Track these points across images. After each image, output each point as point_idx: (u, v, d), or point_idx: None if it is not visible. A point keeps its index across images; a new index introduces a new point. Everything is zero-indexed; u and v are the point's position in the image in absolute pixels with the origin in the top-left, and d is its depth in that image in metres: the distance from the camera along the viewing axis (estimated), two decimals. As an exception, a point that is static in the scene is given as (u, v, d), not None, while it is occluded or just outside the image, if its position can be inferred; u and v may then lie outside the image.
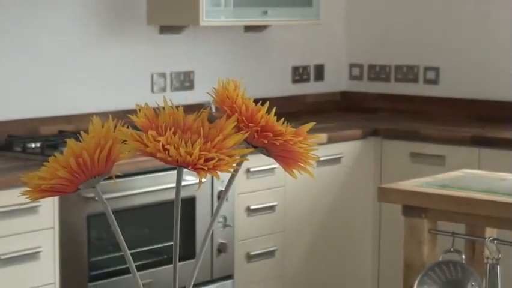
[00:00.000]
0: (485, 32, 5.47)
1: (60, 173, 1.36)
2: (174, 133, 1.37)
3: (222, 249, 4.45)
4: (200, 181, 1.37)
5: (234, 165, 1.38)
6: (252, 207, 4.61)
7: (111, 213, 1.43)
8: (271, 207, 4.71)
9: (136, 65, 4.86)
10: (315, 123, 1.53)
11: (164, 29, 4.92)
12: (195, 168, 1.35)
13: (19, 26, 4.40)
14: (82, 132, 1.41)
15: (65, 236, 3.84)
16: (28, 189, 1.38)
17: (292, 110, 5.48)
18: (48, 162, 1.39)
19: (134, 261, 1.44)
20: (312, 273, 4.96)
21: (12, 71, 4.39)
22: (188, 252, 4.24)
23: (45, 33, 4.49)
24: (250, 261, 4.63)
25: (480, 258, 3.72)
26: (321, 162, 4.84)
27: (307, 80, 5.79)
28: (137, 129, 1.39)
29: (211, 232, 1.47)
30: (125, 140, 1.38)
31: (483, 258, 3.64)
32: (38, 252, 3.76)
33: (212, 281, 4.43)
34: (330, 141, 4.93)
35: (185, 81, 5.07)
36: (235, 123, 1.41)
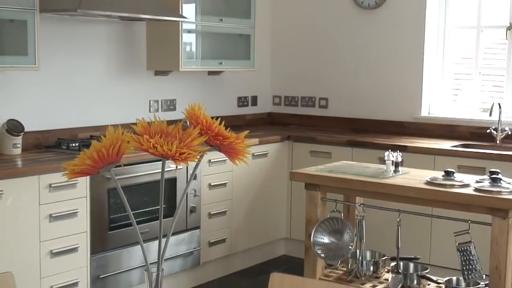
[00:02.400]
0: (357, 75, 5.51)
1: (87, 162, 1.34)
2: (160, 137, 1.35)
3: (193, 210, 4.41)
4: (176, 167, 1.36)
5: (198, 157, 1.37)
6: (212, 183, 4.57)
7: (120, 187, 1.41)
8: (224, 184, 4.68)
9: (139, 95, 4.81)
10: (249, 131, 1.52)
11: (158, 72, 4.87)
12: (173, 159, 1.34)
13: (65, 68, 4.33)
14: (102, 136, 1.39)
15: (93, 202, 3.78)
16: (67, 172, 1.36)
17: (236, 124, 5.49)
18: (80, 155, 1.36)
19: (136, 218, 1.42)
20: (249, 225, 4.95)
21: (59, 98, 4.31)
22: (171, 212, 4.20)
23: (80, 74, 4.42)
24: (210, 217, 4.60)
25: (352, 216, 3.76)
26: (254, 156, 4.85)
27: (247, 105, 5.78)
28: (137, 134, 1.37)
29: (185, 199, 1.46)
30: (129, 141, 1.36)
31: (354, 216, 3.67)
32: (76, 212, 3.69)
33: (186, 230, 4.39)
34: (261, 143, 4.92)
35: (170, 105, 5.02)
36: (199, 130, 1.40)
